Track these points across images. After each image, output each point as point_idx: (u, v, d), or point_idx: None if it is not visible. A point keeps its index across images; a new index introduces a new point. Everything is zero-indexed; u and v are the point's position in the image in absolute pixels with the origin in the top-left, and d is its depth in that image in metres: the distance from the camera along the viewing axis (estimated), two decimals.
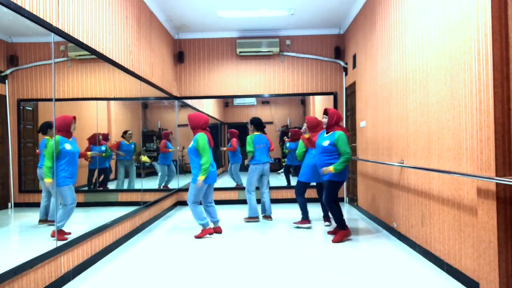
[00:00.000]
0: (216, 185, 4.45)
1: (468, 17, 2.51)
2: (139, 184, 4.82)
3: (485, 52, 2.23)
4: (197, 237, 4.09)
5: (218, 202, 6.42)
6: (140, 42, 4.68)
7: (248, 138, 4.94)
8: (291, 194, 6.27)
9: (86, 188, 3.76)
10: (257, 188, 5.15)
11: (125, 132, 4.57)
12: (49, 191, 2.95)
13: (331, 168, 3.73)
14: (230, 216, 5.32)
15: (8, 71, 2.53)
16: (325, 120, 3.94)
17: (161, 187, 5.97)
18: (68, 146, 3.04)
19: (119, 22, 4.03)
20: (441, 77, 2.92)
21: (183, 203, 6.47)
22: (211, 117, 7.17)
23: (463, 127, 2.61)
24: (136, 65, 4.51)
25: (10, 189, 2.64)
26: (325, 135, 3.95)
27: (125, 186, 4.66)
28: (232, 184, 6.70)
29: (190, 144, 4.08)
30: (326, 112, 3.96)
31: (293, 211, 5.34)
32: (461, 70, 2.63)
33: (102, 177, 4.26)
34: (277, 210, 5.54)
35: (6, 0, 2.23)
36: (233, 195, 6.55)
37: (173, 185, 6.28)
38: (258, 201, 5.25)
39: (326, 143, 3.85)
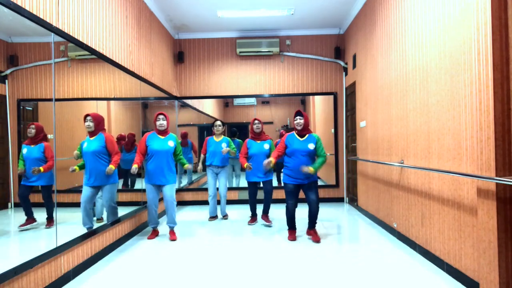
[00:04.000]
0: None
1: (468, 17, 2.51)
2: (139, 184, 4.82)
3: (485, 52, 2.23)
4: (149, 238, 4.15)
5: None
6: (140, 42, 4.68)
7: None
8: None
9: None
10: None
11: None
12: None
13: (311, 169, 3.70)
14: (232, 216, 5.32)
15: (8, 71, 2.53)
16: (301, 121, 3.82)
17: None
18: (84, 145, 3.29)
19: (119, 22, 4.03)
20: (441, 77, 2.92)
21: (183, 203, 6.47)
22: (211, 117, 7.17)
23: (463, 127, 2.61)
24: (136, 65, 4.51)
25: (10, 189, 2.64)
26: (302, 138, 3.83)
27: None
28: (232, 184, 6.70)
29: (164, 145, 3.99)
30: (300, 113, 3.84)
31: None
32: (461, 70, 2.63)
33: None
34: (274, 210, 5.55)
35: (6, 0, 2.23)
36: (233, 195, 6.54)
37: None
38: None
39: (311, 146, 3.79)
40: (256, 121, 4.69)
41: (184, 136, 6.54)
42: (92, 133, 3.33)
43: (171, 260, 3.37)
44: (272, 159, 3.89)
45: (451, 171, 2.69)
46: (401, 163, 3.70)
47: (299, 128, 3.82)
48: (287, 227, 4.45)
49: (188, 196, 6.50)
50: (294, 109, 7.30)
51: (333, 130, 6.45)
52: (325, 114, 6.78)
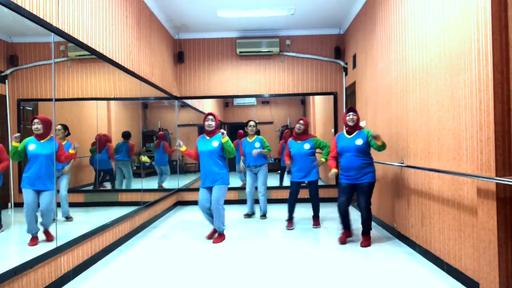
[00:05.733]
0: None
1: (468, 17, 2.51)
2: (139, 184, 4.82)
3: (485, 52, 2.23)
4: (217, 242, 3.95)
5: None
6: (140, 42, 4.68)
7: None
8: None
9: (86, 188, 3.77)
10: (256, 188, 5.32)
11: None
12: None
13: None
14: (231, 216, 5.32)
15: (8, 71, 2.53)
16: (354, 117, 3.73)
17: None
18: (31, 147, 2.84)
19: (119, 22, 4.03)
20: (441, 77, 2.92)
21: (183, 203, 6.46)
22: None
23: (463, 127, 2.61)
24: (136, 65, 4.51)
25: (10, 189, 2.64)
26: (350, 136, 3.74)
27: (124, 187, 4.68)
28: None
29: (208, 146, 3.91)
30: (353, 109, 3.77)
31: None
32: (461, 70, 2.63)
33: (106, 177, 4.31)
34: (275, 210, 5.55)
35: (6, 0, 2.23)
36: (233, 195, 6.52)
37: (173, 185, 6.28)
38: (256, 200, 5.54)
39: (359, 141, 3.67)
40: (301, 121, 4.51)
41: (161, 137, 6.08)
42: (40, 136, 2.91)
43: (171, 260, 3.36)
44: (333, 170, 3.83)
45: (451, 171, 2.69)
46: (401, 163, 3.70)
47: (351, 124, 3.71)
48: (286, 228, 4.47)
49: (188, 196, 6.50)
50: (294, 109, 7.34)
51: (333, 130, 6.45)
52: (325, 114, 6.78)
